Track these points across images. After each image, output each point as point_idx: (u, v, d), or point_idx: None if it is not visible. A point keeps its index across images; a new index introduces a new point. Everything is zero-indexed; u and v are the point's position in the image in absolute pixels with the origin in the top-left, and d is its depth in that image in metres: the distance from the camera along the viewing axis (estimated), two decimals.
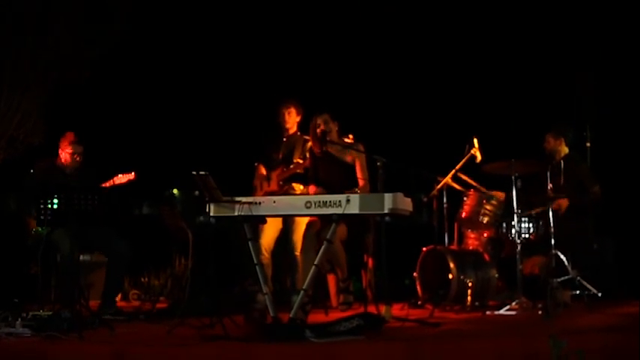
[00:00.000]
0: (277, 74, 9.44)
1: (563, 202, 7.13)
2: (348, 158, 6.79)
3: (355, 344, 4.95)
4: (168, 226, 8.02)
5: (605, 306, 6.63)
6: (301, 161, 6.94)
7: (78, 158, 6.94)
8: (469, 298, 6.81)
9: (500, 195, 7.00)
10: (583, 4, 8.76)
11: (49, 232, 6.53)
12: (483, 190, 7.10)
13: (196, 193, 7.16)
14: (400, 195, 5.45)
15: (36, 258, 6.42)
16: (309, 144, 6.93)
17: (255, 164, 7.38)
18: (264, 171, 7.28)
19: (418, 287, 7.20)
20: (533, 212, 6.92)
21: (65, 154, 6.93)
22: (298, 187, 7.08)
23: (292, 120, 7.28)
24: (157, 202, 8.35)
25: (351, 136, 6.80)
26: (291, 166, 6.99)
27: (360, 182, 6.73)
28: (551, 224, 6.78)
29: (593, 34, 8.75)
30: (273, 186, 7.08)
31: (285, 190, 7.03)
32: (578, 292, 6.85)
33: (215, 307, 5.66)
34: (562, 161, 7.39)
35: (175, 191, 7.93)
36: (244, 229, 5.76)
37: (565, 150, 7.50)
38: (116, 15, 8.77)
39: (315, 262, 5.56)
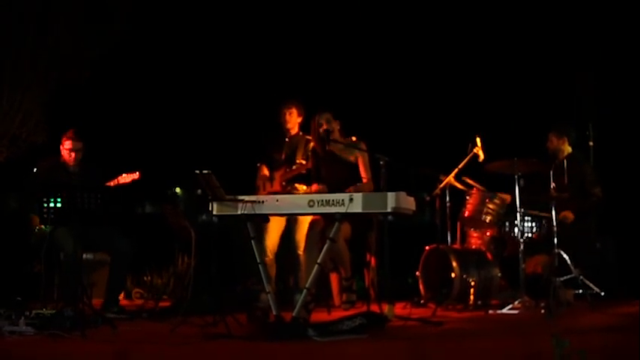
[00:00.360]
0: (279, 73, 9.44)
1: (569, 215, 7.13)
2: (351, 157, 6.79)
3: (358, 343, 4.96)
4: (171, 225, 8.02)
5: (607, 305, 6.63)
6: (304, 162, 6.94)
7: (74, 154, 6.93)
8: (472, 297, 6.83)
9: (507, 197, 6.99)
10: (583, 4, 8.75)
11: (52, 231, 6.54)
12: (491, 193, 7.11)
13: (199, 191, 7.16)
14: (403, 194, 5.45)
15: (39, 256, 6.42)
16: (312, 144, 6.93)
17: (258, 164, 7.38)
18: (266, 172, 7.27)
19: (421, 286, 7.21)
20: (535, 213, 6.94)
21: (64, 150, 6.94)
22: (301, 188, 7.08)
23: (293, 120, 7.29)
24: (159, 200, 8.34)
25: (354, 138, 6.80)
26: (294, 167, 6.99)
27: (364, 181, 6.72)
28: (554, 223, 6.78)
29: (594, 34, 8.74)
30: (276, 187, 7.08)
31: (288, 191, 7.02)
32: (580, 291, 6.85)
33: (218, 306, 5.67)
34: (565, 160, 7.38)
35: (178, 190, 7.93)
36: (247, 227, 5.76)
37: (568, 149, 7.50)
38: (116, 15, 8.76)
39: (318, 261, 5.56)
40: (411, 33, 9.50)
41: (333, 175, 6.76)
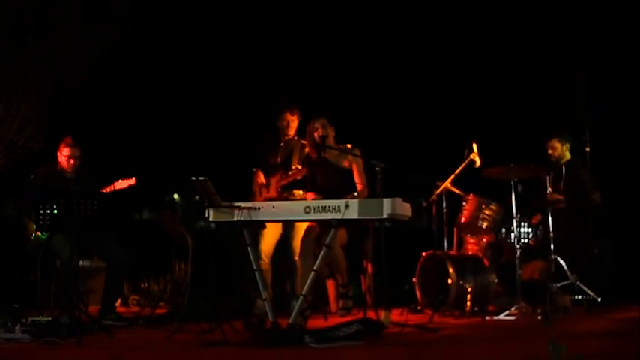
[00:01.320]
0: (274, 79, 9.45)
1: (557, 196, 7.16)
2: (345, 164, 6.78)
3: (354, 349, 4.96)
4: (168, 231, 8.02)
5: (604, 310, 6.63)
6: (300, 167, 6.93)
7: (73, 162, 6.93)
8: (468, 303, 6.82)
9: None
10: (581, 10, 8.77)
11: (48, 238, 6.54)
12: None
13: (197, 198, 7.16)
14: (399, 200, 5.45)
15: (36, 263, 6.42)
16: (307, 149, 6.93)
17: (254, 170, 7.36)
18: (262, 178, 7.25)
19: (417, 292, 7.20)
20: (533, 221, 6.96)
21: (62, 157, 6.94)
22: (298, 194, 7.07)
23: (295, 125, 7.28)
24: (157, 207, 8.34)
25: (349, 146, 6.80)
26: (290, 173, 6.98)
27: (359, 187, 6.72)
28: (551, 229, 6.79)
29: (592, 40, 8.77)
30: (272, 193, 7.07)
31: (284, 198, 7.01)
32: (577, 296, 6.86)
33: (214, 313, 5.67)
34: (563, 167, 7.41)
35: (176, 196, 7.93)
36: (243, 234, 5.76)
37: (568, 156, 7.52)
38: (116, 15, 8.75)
39: (314, 268, 5.56)
40: (408, 39, 9.52)
41: (328, 181, 6.75)
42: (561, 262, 6.81)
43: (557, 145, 7.49)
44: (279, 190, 7.07)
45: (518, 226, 6.69)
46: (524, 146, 7.81)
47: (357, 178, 6.74)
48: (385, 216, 5.35)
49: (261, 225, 6.05)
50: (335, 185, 6.67)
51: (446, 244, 7.31)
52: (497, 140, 8.13)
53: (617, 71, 8.68)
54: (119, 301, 7.71)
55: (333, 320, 6.31)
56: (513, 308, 6.48)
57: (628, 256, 7.89)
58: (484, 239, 7.30)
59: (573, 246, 7.11)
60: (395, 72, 9.57)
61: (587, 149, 8.30)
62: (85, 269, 7.61)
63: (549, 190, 7.00)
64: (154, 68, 9.67)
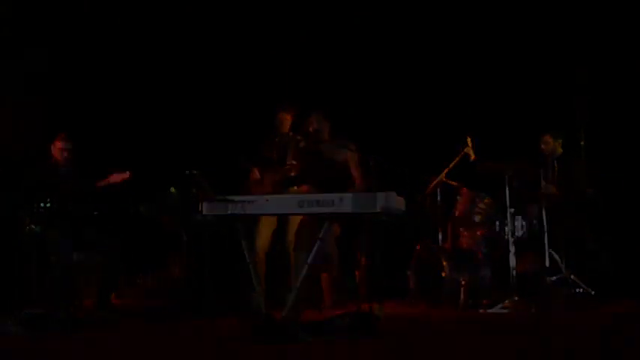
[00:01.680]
0: (270, 73, 9.44)
1: (553, 189, 7.19)
2: (340, 158, 6.78)
3: (348, 342, 4.97)
4: (165, 225, 8.01)
5: (598, 304, 6.65)
6: (295, 163, 6.93)
7: (66, 154, 6.95)
8: (462, 296, 6.84)
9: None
10: (578, 6, 8.77)
11: (43, 231, 6.54)
12: None
13: (193, 191, 7.15)
14: (393, 194, 5.45)
15: (30, 257, 6.43)
16: (302, 144, 6.93)
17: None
18: (257, 173, 7.26)
19: (412, 285, 7.22)
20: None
21: (56, 150, 6.96)
22: (293, 190, 7.07)
23: (289, 123, 7.31)
24: (153, 200, 8.33)
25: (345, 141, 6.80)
26: (285, 169, 6.98)
27: (356, 181, 6.72)
28: (545, 223, 6.81)
29: (588, 36, 8.76)
30: (267, 188, 7.08)
31: (278, 193, 7.01)
32: (571, 290, 6.87)
33: (209, 307, 5.68)
34: (555, 161, 7.44)
35: (172, 190, 7.93)
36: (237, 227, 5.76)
37: (560, 151, 7.56)
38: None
39: (308, 261, 5.57)
40: (403, 34, 9.51)
41: (322, 175, 6.75)
42: (555, 256, 6.83)
43: (550, 141, 7.53)
44: (274, 185, 7.07)
45: (513, 219, 6.70)
46: (520, 141, 7.82)
47: (354, 173, 6.73)
48: (379, 209, 5.34)
49: (254, 218, 6.05)
50: (329, 179, 6.66)
51: (440, 237, 7.33)
52: (493, 135, 8.13)
53: (615, 67, 8.68)
54: (114, 295, 7.71)
55: (327, 313, 6.31)
56: (507, 302, 6.49)
57: (622, 250, 7.90)
58: (478, 232, 7.32)
59: (568, 240, 7.13)
60: (391, 66, 9.55)
61: (582, 143, 8.30)
62: (79, 263, 7.60)
63: (543, 183, 7.02)
64: (149, 62, 9.65)
